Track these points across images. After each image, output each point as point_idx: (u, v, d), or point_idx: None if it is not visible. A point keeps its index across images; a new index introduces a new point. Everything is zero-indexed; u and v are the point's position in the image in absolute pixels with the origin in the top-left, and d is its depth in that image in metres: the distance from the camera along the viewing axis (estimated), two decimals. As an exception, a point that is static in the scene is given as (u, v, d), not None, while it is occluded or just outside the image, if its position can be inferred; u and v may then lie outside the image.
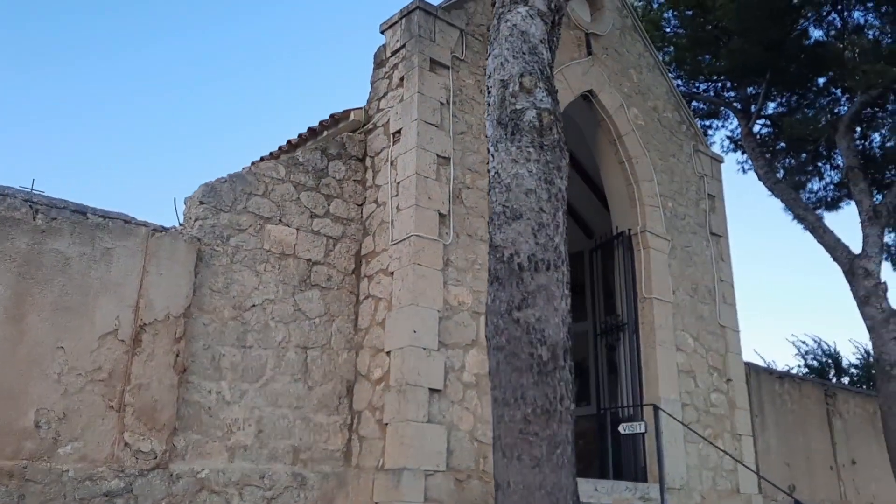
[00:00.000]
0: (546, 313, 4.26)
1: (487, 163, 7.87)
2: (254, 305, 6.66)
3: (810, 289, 42.87)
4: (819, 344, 19.44)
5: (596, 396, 9.67)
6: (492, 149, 4.41)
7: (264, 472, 6.34)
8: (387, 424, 6.63)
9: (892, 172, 11.80)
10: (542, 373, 4.26)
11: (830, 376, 19.41)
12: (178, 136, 37.65)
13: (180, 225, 6.63)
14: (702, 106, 14.44)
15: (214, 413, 6.22)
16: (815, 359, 19.80)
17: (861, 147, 12.68)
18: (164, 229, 6.29)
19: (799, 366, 19.46)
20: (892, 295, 11.52)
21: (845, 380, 19.29)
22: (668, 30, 13.75)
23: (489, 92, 4.55)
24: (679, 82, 14.11)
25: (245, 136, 39.40)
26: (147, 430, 5.79)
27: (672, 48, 13.51)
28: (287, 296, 6.89)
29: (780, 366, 19.62)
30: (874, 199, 11.31)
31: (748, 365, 11.79)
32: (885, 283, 10.56)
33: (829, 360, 19.34)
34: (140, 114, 36.42)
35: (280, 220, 7.03)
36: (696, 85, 14.17)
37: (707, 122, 14.58)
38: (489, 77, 4.56)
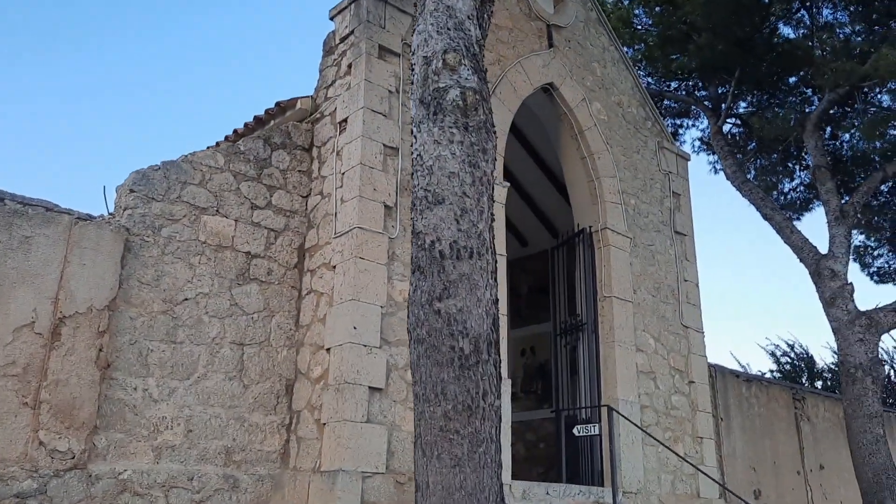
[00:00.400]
0: (468, 304, 4.01)
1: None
2: (186, 299, 6.36)
3: (789, 292, 42.97)
4: (793, 347, 19.31)
5: (557, 398, 9.42)
6: (415, 129, 4.15)
7: (193, 474, 6.04)
8: (325, 424, 6.35)
9: (862, 174, 11.65)
10: (464, 367, 4.00)
11: (804, 380, 19.29)
12: (117, 126, 36.50)
13: (109, 214, 6.32)
14: (673, 105, 14.27)
15: (140, 411, 5.92)
16: (788, 362, 19.68)
17: (831, 148, 12.54)
18: (90, 217, 5.99)
19: (772, 370, 19.33)
20: (859, 296, 11.37)
21: (819, 384, 19.19)
22: (638, 27, 13.57)
23: (413, 70, 4.29)
24: (650, 80, 13.95)
25: (190, 127, 38.44)
26: (64, 428, 5.48)
27: (642, 45, 13.32)
28: (223, 290, 6.60)
29: (755, 370, 19.52)
30: (842, 199, 11.15)
31: (714, 367, 11.60)
32: (851, 284, 10.38)
33: (803, 364, 19.21)
34: (75, 100, 35.25)
35: (217, 210, 6.74)
36: (668, 83, 14.00)
37: (678, 122, 14.41)
38: (413, 54, 4.30)
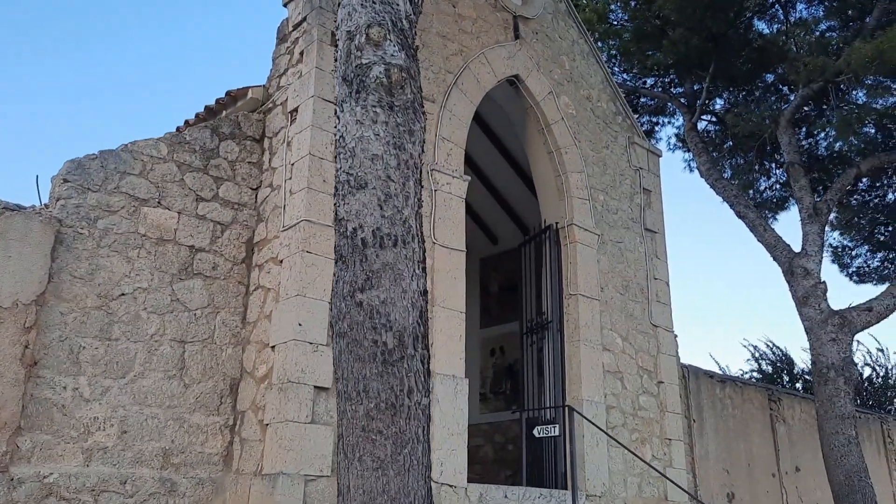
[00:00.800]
0: (392, 295, 3.76)
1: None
2: (123, 294, 6.08)
3: (769, 293, 42.94)
4: (772, 348, 19.14)
5: (524, 399, 9.17)
6: (338, 109, 3.90)
7: (127, 477, 5.75)
8: (267, 425, 6.08)
9: (838, 171, 11.46)
10: (388, 362, 3.75)
11: (784, 382, 19.13)
12: (63, 120, 35.52)
13: (43, 205, 6.04)
14: (649, 102, 14.08)
15: (69, 411, 5.63)
16: (768, 364, 19.51)
17: (807, 146, 12.37)
18: (18, 208, 5.70)
19: (752, 371, 19.16)
20: (840, 299, 11.17)
21: (799, 385, 19.02)
22: (614, 22, 13.37)
23: (337, 46, 4.04)
24: (626, 77, 13.76)
25: (142, 120, 37.53)
26: (-17, 429, 5.19)
27: (618, 41, 13.13)
28: (164, 285, 6.32)
29: (735, 372, 19.33)
30: (817, 197, 10.97)
31: (687, 367, 11.40)
32: (824, 282, 10.20)
33: (782, 365, 19.05)
34: (13, 91, 34.11)
35: (159, 202, 6.46)
36: (644, 80, 13.81)
37: (654, 119, 14.24)
38: (338, 28, 4.05)
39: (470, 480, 7.75)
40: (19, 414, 5.37)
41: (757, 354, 19.14)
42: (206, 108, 7.55)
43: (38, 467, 5.40)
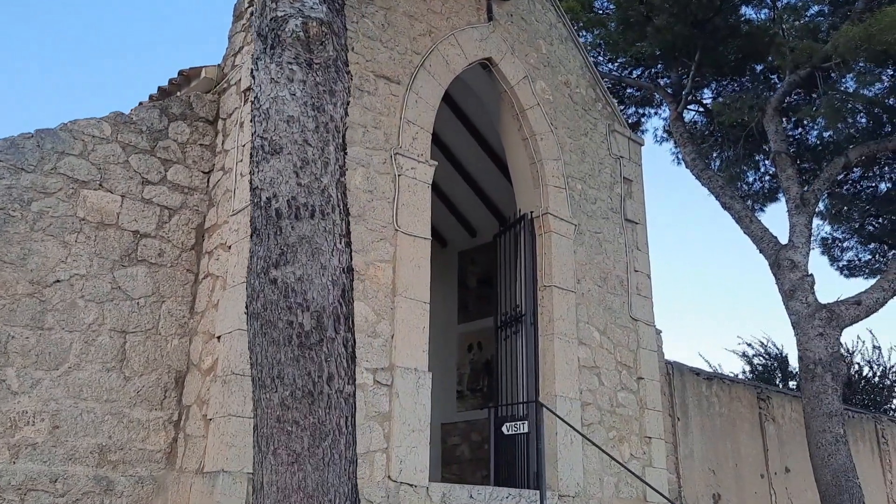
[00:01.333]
0: (309, 271, 3.41)
1: (353, 127, 7.03)
2: (58, 281, 5.73)
3: (763, 289, 42.55)
4: (765, 346, 18.76)
5: (498, 395, 8.81)
6: (253, 67, 3.55)
7: (58, 475, 5.40)
8: (210, 420, 5.73)
9: (826, 160, 11.10)
10: (304, 346, 3.40)
11: (777, 381, 18.75)
12: (12, 102, 34.25)
13: (-26, 186, 5.69)
14: (636, 93, 13.74)
15: (-5, 404, 5.28)
16: (761, 363, 19.14)
17: (796, 136, 12.02)
18: (-59, 188, 5.36)
19: (745, 370, 18.79)
20: (831, 294, 10.80)
21: (793, 384, 18.65)
22: (599, 10, 13.03)
23: None
24: (611, 66, 13.41)
25: (93, 103, 36.25)
26: None
27: (603, 29, 12.78)
28: (104, 271, 5.97)
29: (727, 371, 18.96)
30: (804, 187, 10.61)
31: (671, 364, 11.05)
32: (811, 275, 9.84)
33: (776, 364, 18.66)
34: None
35: (101, 184, 6.11)
36: (630, 70, 13.46)
37: (641, 111, 13.90)
38: (254, -19, 3.71)
39: (446, 480, 7.40)
40: (-63, 407, 5.02)
41: (751, 352, 18.77)
42: (160, 89, 7.21)
43: (-43, 464, 5.05)
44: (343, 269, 3.50)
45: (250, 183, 3.51)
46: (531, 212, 8.72)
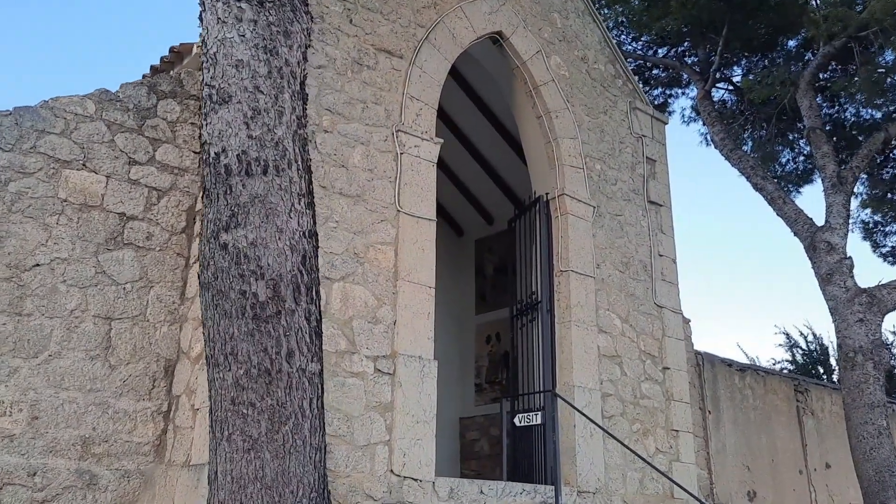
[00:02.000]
0: (263, 235, 3.04)
1: (352, 103, 6.65)
2: (38, 265, 5.46)
3: (805, 279, 41.27)
4: (805, 337, 17.96)
5: (514, 386, 8.38)
6: (200, 8, 3.18)
7: (37, 469, 5.12)
8: (198, 410, 5.41)
9: (864, 137, 10.44)
10: (259, 318, 3.03)
11: (820, 373, 17.97)
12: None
13: (-49, 167, 5.44)
14: (661, 74, 13.18)
15: (-31, 394, 5.02)
16: (803, 354, 18.34)
17: (831, 113, 11.38)
18: (-88, 168, 5.11)
19: (784, 361, 18.04)
20: (863, 276, 10.14)
21: (836, 377, 17.83)
22: (621, -13, 12.49)
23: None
24: (635, 45, 12.88)
25: (81, 83, 35.46)
26: None
27: (626, 7, 12.25)
28: (87, 255, 5.68)
29: (765, 363, 18.21)
30: (841, 165, 9.98)
31: (702, 355, 10.50)
32: (850, 258, 9.23)
33: (817, 355, 17.85)
34: None
35: (84, 165, 5.83)
36: (655, 50, 12.91)
37: (668, 92, 13.32)
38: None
39: (465, 477, 6.99)
40: None
41: (790, 343, 17.98)
42: (152, 68, 6.91)
43: (-73, 456, 4.79)
44: (304, 233, 3.12)
45: (199, 137, 3.15)
46: (546, 193, 8.28)
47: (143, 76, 7.03)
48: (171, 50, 6.74)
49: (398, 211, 6.64)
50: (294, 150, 3.10)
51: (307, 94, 3.23)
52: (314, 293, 3.16)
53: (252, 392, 3.02)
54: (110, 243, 5.81)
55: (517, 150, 9.80)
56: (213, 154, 3.05)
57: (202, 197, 3.16)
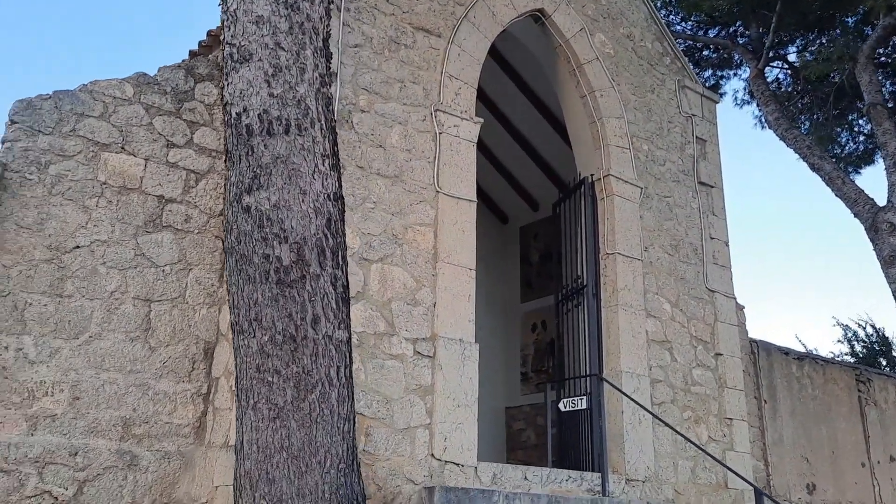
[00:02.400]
0: (287, 197, 2.94)
1: (389, 83, 6.54)
2: (78, 247, 5.48)
3: (869, 268, 39.78)
4: (864, 328, 17.26)
5: (560, 372, 8.17)
6: (221, -34, 3.09)
7: (78, 448, 5.13)
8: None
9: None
10: (283, 283, 2.93)
11: (882, 367, 17.26)
12: (40, 66, 33.77)
13: (-5, 152, 5.49)
14: (712, 55, 12.78)
15: (12, 374, 5.05)
16: (864, 346, 17.63)
17: (894, 90, 10.85)
18: (-45, 151, 5.17)
19: (843, 354, 17.36)
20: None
21: (901, 370, 17.11)
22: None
23: None
24: (685, 25, 12.52)
25: (122, 68, 35.96)
26: None
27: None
28: (126, 237, 5.68)
29: (825, 353, 17.56)
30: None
31: (757, 342, 10.11)
32: (915, 239, 8.77)
33: (878, 347, 17.13)
34: None
35: (123, 147, 5.83)
36: (705, 30, 12.52)
37: (720, 73, 12.92)
38: None
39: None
40: (-50, 375, 4.82)
41: (849, 335, 17.31)
42: (190, 52, 6.89)
43: (-29, 435, 4.83)
44: (328, 196, 3.01)
45: (221, 98, 3.06)
46: (592, 175, 8.05)
47: (182, 61, 7.04)
48: (209, 34, 6.71)
49: (437, 192, 6.51)
50: (317, 108, 2.99)
51: (331, 52, 3.12)
52: (340, 258, 3.04)
53: (277, 359, 2.92)
54: (149, 226, 5.81)
55: (561, 132, 9.57)
56: (234, 114, 2.96)
57: (225, 160, 3.07)
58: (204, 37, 6.79)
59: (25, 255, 5.26)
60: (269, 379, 2.92)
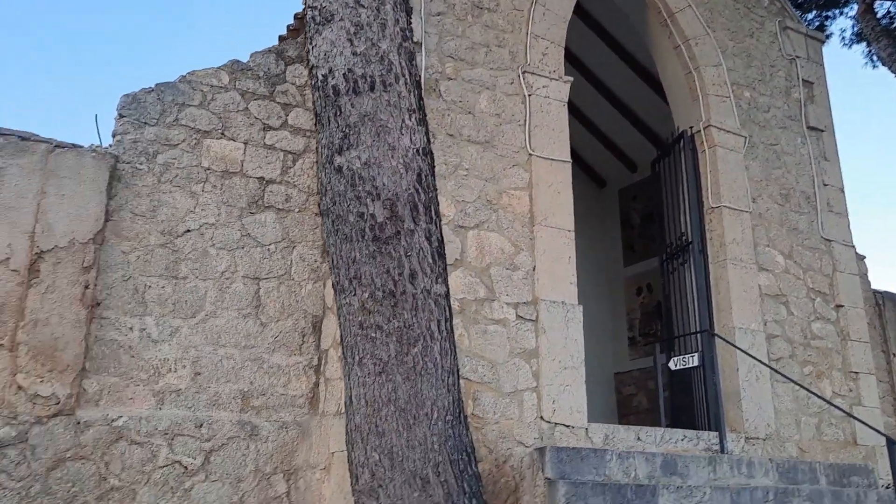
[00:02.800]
0: (377, 154, 2.97)
1: (474, 48, 6.50)
2: (188, 231, 5.74)
3: None
4: None
5: (667, 332, 7.95)
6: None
7: (203, 420, 5.41)
8: (344, 361, 5.50)
9: None
10: (379, 240, 2.97)
11: None
12: (135, 53, 34.24)
13: (109, 145, 5.82)
14: (816, -7, 12.01)
15: (138, 353, 5.36)
16: None
17: None
18: (72, 146, 5.50)
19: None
20: None
21: None
22: None
23: None
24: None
25: (211, 58, 35.84)
26: (46, 371, 5.01)
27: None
28: (232, 219, 5.91)
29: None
30: None
31: (882, 294, 9.54)
32: None
33: None
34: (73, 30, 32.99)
35: (223, 133, 6.06)
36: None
37: (825, 13, 12.13)
38: None
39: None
40: (83, 356, 5.16)
41: None
42: (280, 37, 7.06)
43: (106, 410, 5.17)
44: (417, 151, 3.01)
45: (306, 63, 3.11)
46: (691, 127, 7.76)
47: (272, 46, 7.22)
48: (296, 17, 6.85)
49: (530, 154, 6.44)
50: (400, 63, 2.99)
51: (411, 7, 3.11)
52: (433, 213, 3.05)
53: (378, 315, 2.97)
54: (252, 207, 6.01)
55: (654, 86, 9.26)
56: (320, 77, 3.01)
57: (315, 123, 3.13)
58: (292, 20, 6.94)
59: (142, 241, 5.56)
60: (373, 335, 2.97)
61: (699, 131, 7.66)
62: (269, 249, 5.99)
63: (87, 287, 5.24)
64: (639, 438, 6.17)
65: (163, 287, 5.54)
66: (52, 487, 4.87)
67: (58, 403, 5.00)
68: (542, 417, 5.80)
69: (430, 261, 3.02)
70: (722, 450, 6.17)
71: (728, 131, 7.64)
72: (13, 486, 4.77)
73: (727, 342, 6.52)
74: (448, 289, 3.10)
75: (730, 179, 7.49)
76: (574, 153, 6.96)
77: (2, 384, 4.90)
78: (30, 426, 4.89)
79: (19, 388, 4.93)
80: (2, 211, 5.13)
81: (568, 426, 5.88)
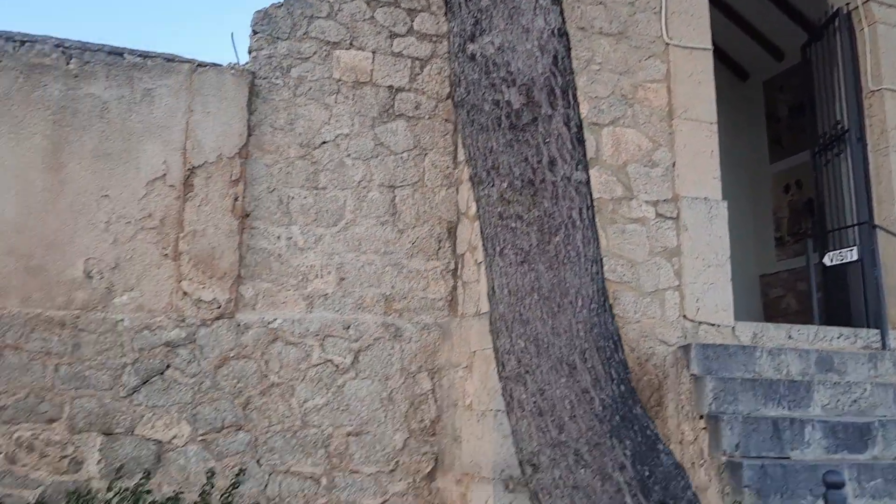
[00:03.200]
0: (510, 38, 2.87)
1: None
2: (325, 142, 5.89)
3: None
4: None
5: (817, 226, 7.47)
6: None
7: (350, 323, 5.67)
8: (480, 263, 5.55)
9: None
10: (516, 127, 2.91)
11: None
12: None
13: (246, 62, 6.01)
14: None
15: (286, 260, 5.65)
16: None
17: None
18: (214, 65, 5.72)
19: None
20: None
21: None
22: None
23: None
24: None
25: None
26: (207, 278, 5.39)
27: None
28: (365, 129, 6.01)
29: None
30: None
31: None
32: None
33: None
34: None
35: (351, 44, 6.10)
36: None
37: None
38: None
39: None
40: (238, 263, 5.49)
41: None
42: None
43: (262, 314, 5.51)
44: (552, 31, 2.89)
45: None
46: (847, 3, 7.04)
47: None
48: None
49: (667, 44, 6.08)
50: (532, -66, 2.86)
51: None
52: (571, 97, 2.95)
53: (518, 204, 2.94)
54: (384, 116, 6.08)
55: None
56: (448, -41, 2.94)
57: (445, 13, 3.07)
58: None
59: (282, 154, 5.77)
60: (513, 225, 2.95)
61: (856, 8, 6.95)
62: (401, 158, 6.06)
63: (236, 199, 5.53)
64: (790, 336, 5.91)
65: (305, 197, 5.76)
66: (220, 383, 5.29)
67: (219, 307, 5.38)
68: (685, 316, 5.66)
69: (570, 147, 2.93)
70: (883, 346, 5.81)
71: (891, 5, 6.89)
72: (186, 382, 5.22)
73: (890, 234, 6.05)
74: (588, 176, 3.01)
75: (892, 59, 6.79)
76: (713, 44, 6.51)
77: (169, 290, 5.31)
78: (196, 328, 5.30)
79: (185, 293, 5.33)
80: (155, 130, 5.45)
81: (713, 325, 5.71)
